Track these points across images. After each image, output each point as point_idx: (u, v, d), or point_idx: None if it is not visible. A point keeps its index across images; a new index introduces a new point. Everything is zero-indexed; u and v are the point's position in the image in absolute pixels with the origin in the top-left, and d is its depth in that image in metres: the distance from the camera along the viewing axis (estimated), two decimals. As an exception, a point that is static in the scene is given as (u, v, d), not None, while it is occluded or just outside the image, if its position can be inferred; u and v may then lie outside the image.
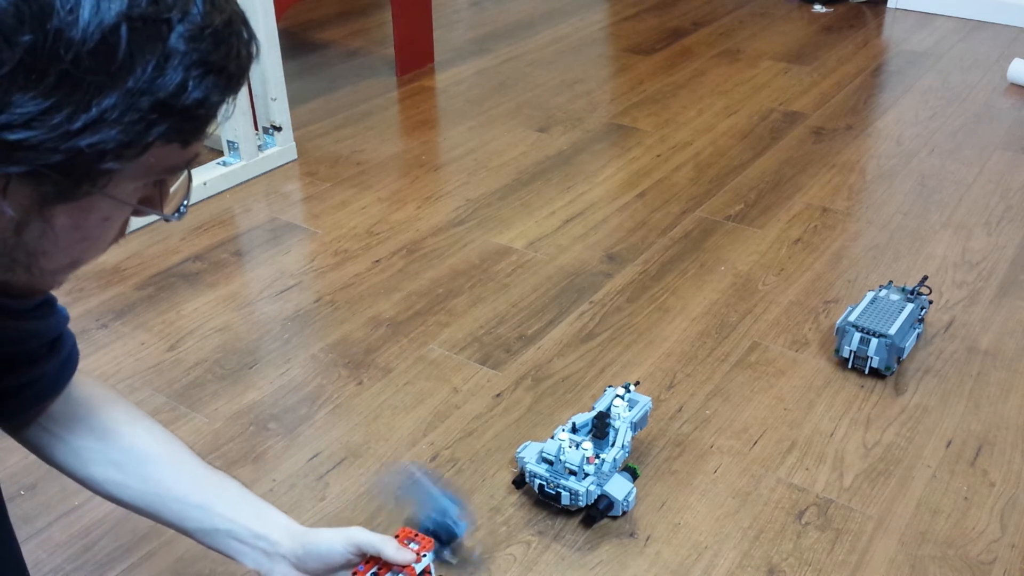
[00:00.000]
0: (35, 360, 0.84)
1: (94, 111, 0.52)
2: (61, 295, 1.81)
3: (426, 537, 0.91)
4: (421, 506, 0.95)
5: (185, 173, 0.65)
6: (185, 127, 0.56)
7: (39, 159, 0.52)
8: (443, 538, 0.93)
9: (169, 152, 0.58)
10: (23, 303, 0.79)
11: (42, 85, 0.51)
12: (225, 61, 0.56)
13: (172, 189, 0.65)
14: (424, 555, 0.89)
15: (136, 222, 2.19)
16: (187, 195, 0.67)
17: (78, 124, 0.52)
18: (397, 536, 0.90)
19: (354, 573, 0.87)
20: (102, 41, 0.51)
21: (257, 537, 0.88)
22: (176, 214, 0.67)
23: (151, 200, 0.64)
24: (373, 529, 0.89)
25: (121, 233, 0.65)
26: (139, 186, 0.61)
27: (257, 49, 0.60)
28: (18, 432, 0.89)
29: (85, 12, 0.50)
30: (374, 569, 0.87)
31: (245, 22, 0.59)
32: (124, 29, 0.51)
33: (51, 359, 0.86)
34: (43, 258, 0.61)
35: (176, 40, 0.53)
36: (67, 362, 0.88)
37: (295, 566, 0.89)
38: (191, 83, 0.54)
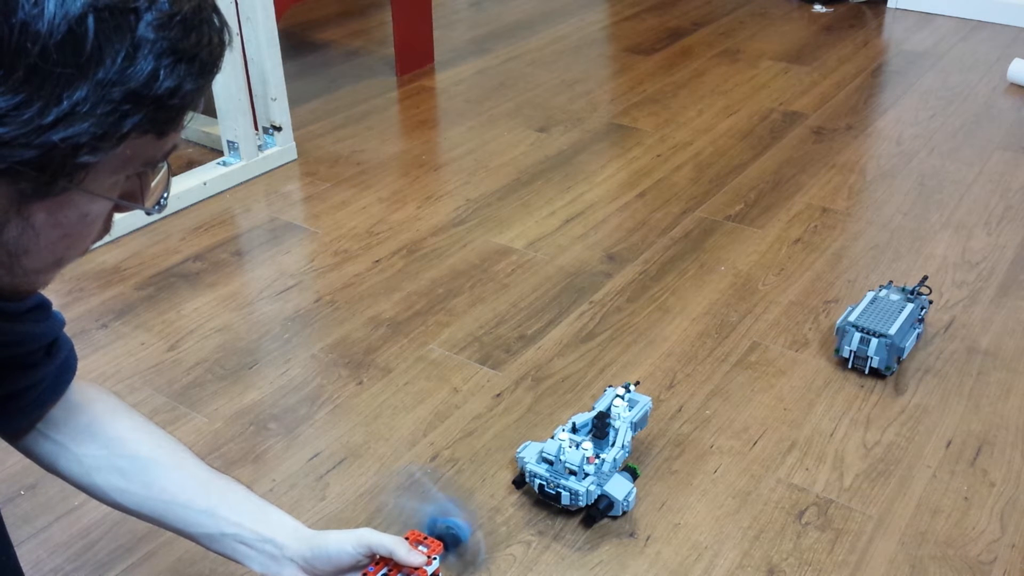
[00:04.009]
0: (32, 364, 0.84)
1: (65, 104, 0.52)
2: (60, 295, 1.80)
3: (435, 540, 0.91)
4: (426, 510, 0.95)
5: (164, 165, 0.65)
6: (159, 117, 0.56)
7: (13, 156, 0.52)
8: (448, 542, 0.93)
9: (145, 144, 0.57)
10: (15, 305, 0.78)
11: (11, 80, 0.50)
12: (196, 49, 0.56)
13: (153, 183, 0.64)
14: (434, 558, 0.89)
15: (135, 222, 2.16)
16: (167, 188, 0.66)
17: (50, 118, 0.51)
18: (407, 539, 0.90)
19: (364, 574, 0.87)
20: (69, 33, 0.51)
21: (264, 540, 0.88)
22: (156, 207, 0.66)
23: (132, 194, 0.63)
24: (374, 529, 0.89)
25: (105, 229, 0.64)
26: (118, 180, 0.60)
27: (230, 37, 0.59)
28: (19, 440, 0.89)
29: (50, 4, 0.50)
30: (384, 571, 0.87)
31: (216, 9, 0.58)
32: (91, 20, 0.51)
33: (48, 364, 0.85)
34: (25, 257, 0.60)
35: (145, 29, 0.53)
36: (64, 366, 0.88)
37: (303, 569, 0.88)
38: (162, 72, 0.54)
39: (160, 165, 0.64)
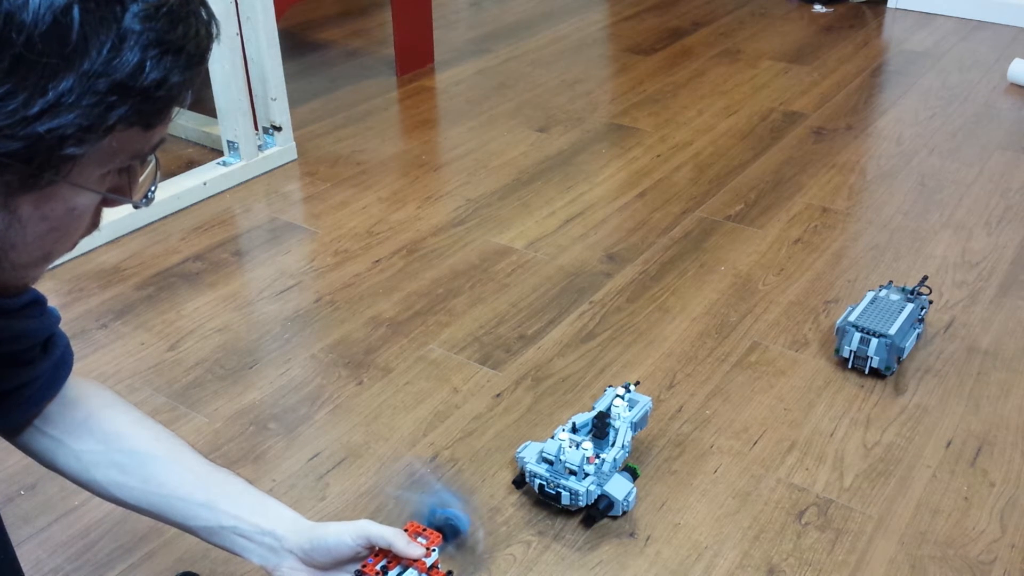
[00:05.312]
0: (29, 361, 0.84)
1: (51, 95, 0.51)
2: (60, 295, 1.80)
3: (434, 532, 0.91)
4: (425, 501, 0.95)
5: (152, 159, 0.64)
6: (145, 109, 0.56)
7: None
8: (448, 533, 0.93)
9: (132, 136, 0.57)
10: (10, 302, 0.78)
11: None
12: (183, 41, 0.55)
13: (141, 177, 0.64)
14: (433, 550, 0.89)
15: (135, 222, 2.16)
16: (155, 181, 0.66)
17: (35, 109, 0.51)
18: (406, 530, 0.90)
19: (363, 566, 0.87)
20: (54, 23, 0.50)
21: (263, 533, 0.88)
22: (144, 200, 0.66)
23: (119, 188, 0.63)
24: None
25: (94, 224, 0.64)
26: (105, 173, 0.60)
27: (217, 30, 0.59)
28: (16, 437, 0.89)
29: None
30: (383, 562, 0.87)
31: (204, 2, 0.58)
32: (76, 10, 0.51)
33: (45, 360, 0.85)
34: (12, 252, 0.60)
35: (131, 20, 0.53)
36: (61, 363, 0.88)
37: (302, 560, 0.88)
38: (148, 63, 0.54)
39: (148, 159, 0.63)
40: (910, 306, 1.56)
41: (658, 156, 2.31)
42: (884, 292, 1.61)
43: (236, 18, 2.09)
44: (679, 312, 1.71)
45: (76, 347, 0.92)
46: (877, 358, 1.50)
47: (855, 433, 1.43)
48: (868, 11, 3.37)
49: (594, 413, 1.30)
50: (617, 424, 1.30)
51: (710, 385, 1.53)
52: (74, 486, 0.91)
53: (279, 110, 2.24)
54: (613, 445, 1.28)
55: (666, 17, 3.35)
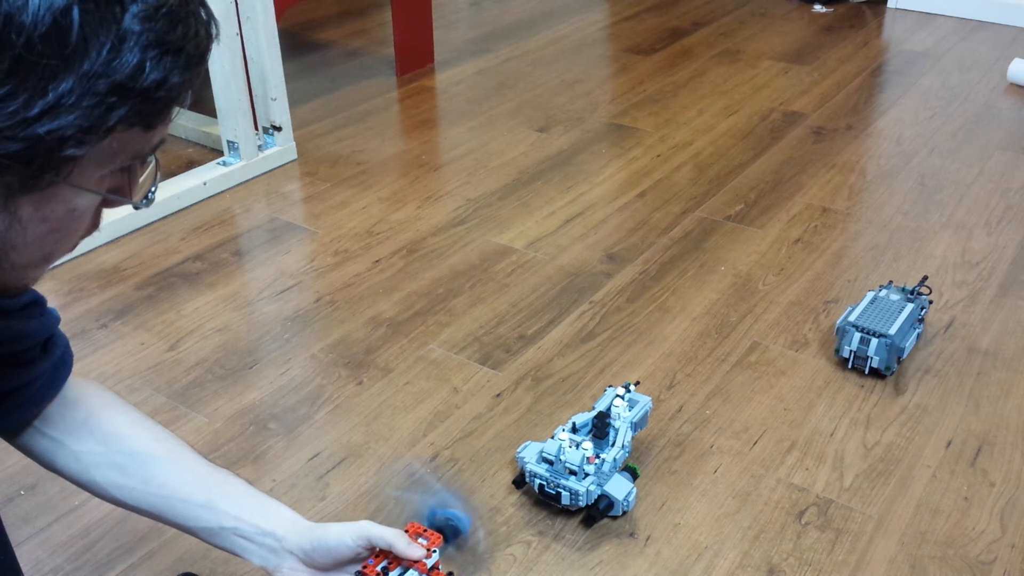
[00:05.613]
0: (29, 361, 0.84)
1: (50, 96, 0.52)
2: (60, 295, 1.80)
3: (434, 533, 0.91)
4: (426, 502, 0.96)
5: (153, 159, 0.65)
6: (145, 110, 0.56)
7: None
8: (448, 534, 0.93)
9: (132, 137, 0.57)
10: (10, 302, 0.78)
11: None
12: (183, 41, 0.55)
13: (141, 178, 0.64)
14: (434, 551, 0.89)
15: (135, 222, 2.16)
16: (155, 181, 0.66)
17: (35, 110, 0.51)
18: (406, 531, 0.90)
19: (363, 567, 0.87)
20: (54, 24, 0.50)
21: (263, 534, 0.88)
22: (144, 200, 0.66)
23: (120, 189, 0.63)
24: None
25: (94, 225, 0.64)
26: (105, 174, 0.60)
27: (217, 30, 0.59)
28: (16, 438, 0.89)
29: None
30: (384, 563, 0.87)
31: (203, 3, 0.58)
32: (76, 11, 0.51)
33: (44, 360, 0.85)
34: (12, 253, 0.60)
35: (130, 21, 0.53)
36: (61, 363, 0.88)
37: (302, 561, 0.88)
38: (148, 64, 0.54)
39: (148, 159, 0.64)
40: (910, 306, 1.56)
41: (658, 156, 2.31)
42: (884, 292, 1.61)
43: (236, 18, 2.09)
44: (679, 312, 1.71)
45: (76, 347, 0.92)
46: (877, 358, 1.50)
47: (855, 433, 1.43)
48: (868, 11, 3.37)
49: (594, 413, 1.30)
50: (617, 424, 1.30)
51: (710, 385, 1.53)
52: (74, 486, 0.91)
53: (279, 110, 2.24)
54: (613, 445, 1.28)
55: (666, 17, 3.35)
